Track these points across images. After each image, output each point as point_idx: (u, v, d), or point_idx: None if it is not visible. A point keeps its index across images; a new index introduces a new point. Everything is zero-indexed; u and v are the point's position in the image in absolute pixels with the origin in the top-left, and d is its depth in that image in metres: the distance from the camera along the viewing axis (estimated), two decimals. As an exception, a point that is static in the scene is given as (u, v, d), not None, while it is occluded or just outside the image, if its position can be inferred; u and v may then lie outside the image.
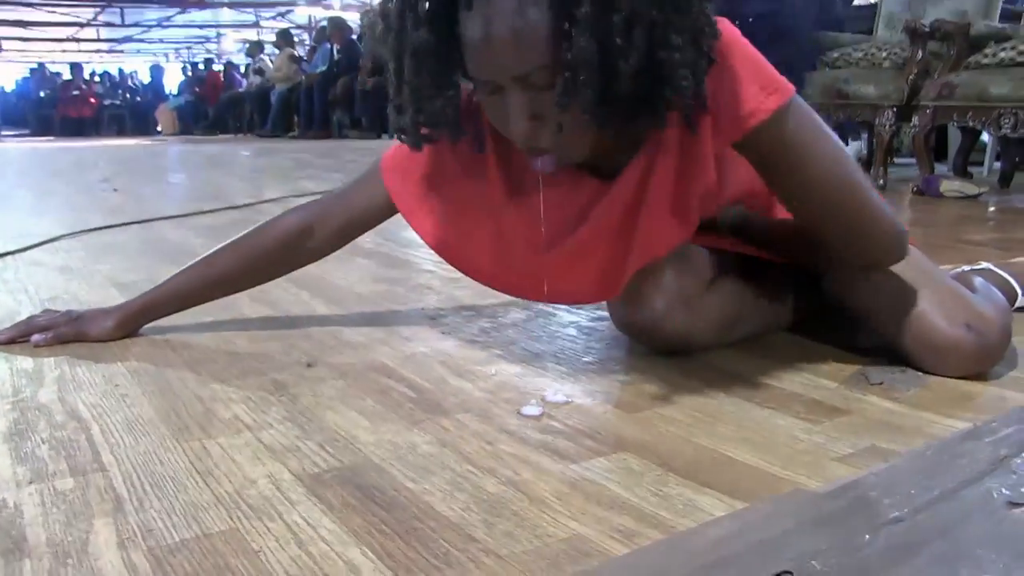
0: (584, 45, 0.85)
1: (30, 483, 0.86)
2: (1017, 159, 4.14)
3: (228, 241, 1.37)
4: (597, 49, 0.86)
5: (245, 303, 1.59)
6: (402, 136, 1.05)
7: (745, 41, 1.03)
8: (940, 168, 3.99)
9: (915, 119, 3.37)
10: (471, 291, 1.70)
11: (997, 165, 4.12)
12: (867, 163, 4.07)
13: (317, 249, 1.35)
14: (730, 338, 1.31)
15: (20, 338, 1.36)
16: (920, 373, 1.17)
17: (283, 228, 1.35)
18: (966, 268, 1.46)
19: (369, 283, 1.86)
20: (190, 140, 10.95)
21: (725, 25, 1.00)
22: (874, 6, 4.34)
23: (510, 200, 1.16)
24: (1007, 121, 3.01)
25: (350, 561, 0.70)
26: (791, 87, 1.02)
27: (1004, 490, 0.82)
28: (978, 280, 1.31)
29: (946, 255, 2.13)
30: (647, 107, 0.93)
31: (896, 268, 1.19)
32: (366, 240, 1.95)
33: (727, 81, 0.99)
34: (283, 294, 1.72)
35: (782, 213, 1.27)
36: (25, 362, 1.27)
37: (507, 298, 1.71)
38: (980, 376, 1.15)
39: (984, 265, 1.49)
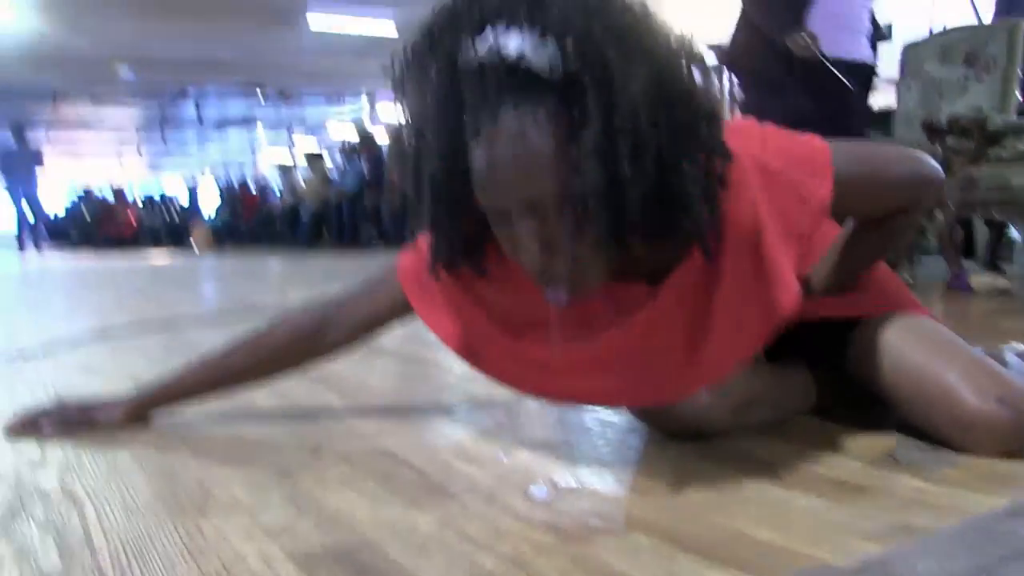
0: (591, 174, 0.84)
1: (15, 560, 0.84)
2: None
3: (240, 338, 1.36)
4: (605, 177, 0.84)
5: (257, 394, 1.58)
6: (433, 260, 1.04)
7: (771, 131, 1.07)
8: (970, 265, 3.94)
9: (939, 215, 3.34)
10: (489, 386, 1.67)
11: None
12: (892, 263, 4.02)
13: (329, 347, 1.33)
14: (746, 421, 1.26)
15: (29, 427, 1.35)
16: (953, 452, 1.12)
17: (295, 325, 1.34)
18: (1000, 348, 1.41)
19: (385, 378, 1.84)
20: (223, 255, 11.17)
21: (748, 127, 1.03)
22: (888, 112, 4.40)
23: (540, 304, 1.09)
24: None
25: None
26: (823, 146, 1.06)
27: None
28: (1010, 355, 1.26)
29: (981, 344, 2.08)
30: (660, 235, 0.93)
31: (919, 343, 1.15)
32: (385, 340, 1.94)
33: (783, 190, 1.02)
34: (295, 386, 1.69)
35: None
36: (31, 450, 1.26)
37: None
38: (1016, 454, 1.09)
39: (1020, 347, 1.44)
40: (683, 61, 0.91)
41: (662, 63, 0.88)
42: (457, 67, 0.86)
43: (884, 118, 4.53)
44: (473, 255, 1.03)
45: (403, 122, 0.94)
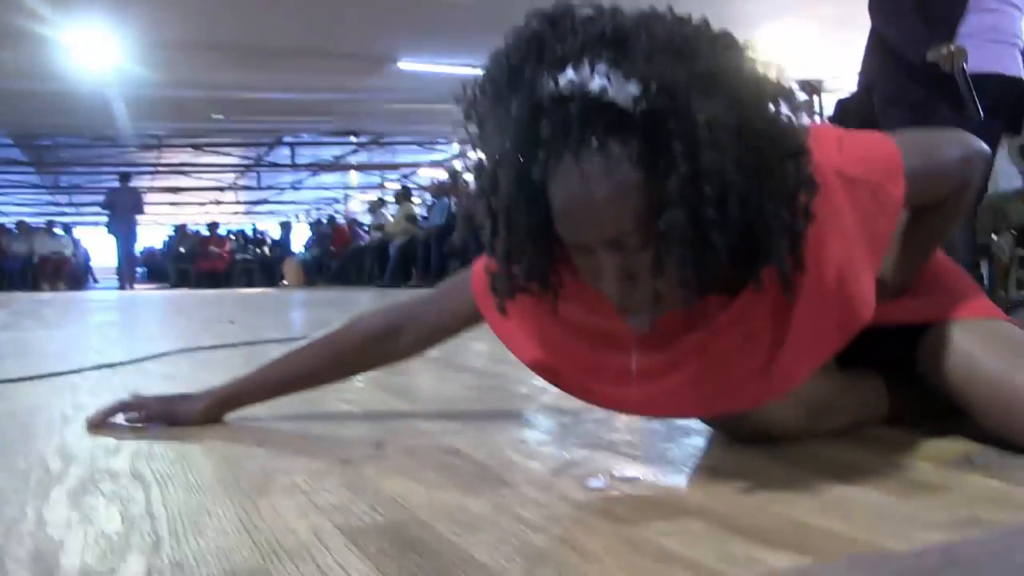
0: (676, 217, 0.82)
1: (80, 524, 0.87)
2: None
3: (315, 339, 1.40)
4: (689, 221, 0.83)
5: (327, 398, 1.60)
6: (494, 288, 1.01)
7: (846, 136, 1.06)
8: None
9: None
10: (559, 396, 1.66)
11: None
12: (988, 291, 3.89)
13: (401, 351, 1.34)
14: (818, 427, 1.22)
15: (110, 420, 1.40)
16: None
17: (369, 327, 1.35)
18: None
19: (458, 388, 1.85)
20: (313, 290, 11.44)
21: (824, 136, 1.01)
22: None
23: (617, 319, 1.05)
24: None
25: (375, 596, 0.67)
26: (893, 147, 1.06)
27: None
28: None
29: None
30: (744, 273, 0.93)
31: (992, 348, 1.10)
32: (466, 357, 1.94)
33: (869, 200, 1.02)
34: (365, 393, 1.72)
35: None
36: (108, 440, 1.30)
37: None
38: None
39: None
40: (770, 99, 0.89)
41: (748, 103, 0.86)
42: (538, 100, 0.84)
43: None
44: (547, 279, 1.00)
45: (480, 154, 0.93)
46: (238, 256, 15.99)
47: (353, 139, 14.67)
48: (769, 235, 0.87)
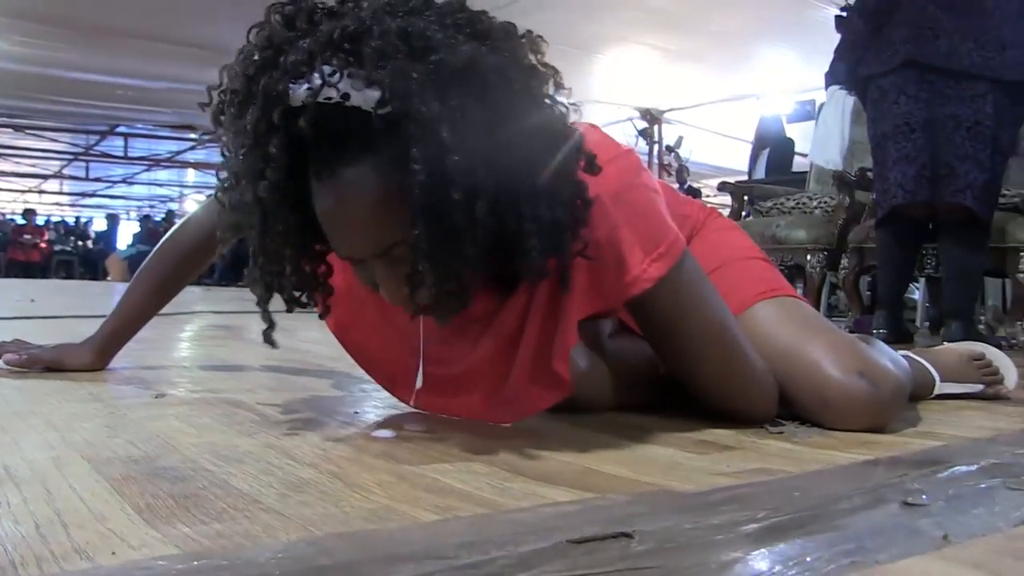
0: (425, 225, 0.78)
1: None
2: (944, 312, 4.20)
3: (155, 252, 1.42)
4: (440, 231, 0.79)
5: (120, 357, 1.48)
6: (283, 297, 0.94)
7: (639, 188, 0.97)
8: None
9: (844, 261, 3.41)
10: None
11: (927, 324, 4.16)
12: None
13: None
14: (626, 401, 1.20)
15: None
16: (823, 428, 1.08)
17: (198, 223, 1.38)
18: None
19: (259, 357, 1.74)
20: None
21: (622, 164, 0.96)
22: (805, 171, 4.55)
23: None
24: (930, 261, 3.05)
25: (100, 513, 0.59)
26: (680, 245, 0.97)
27: (899, 496, 0.72)
28: (877, 341, 1.25)
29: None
30: (509, 272, 0.89)
31: (786, 324, 1.12)
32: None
33: (612, 241, 0.93)
34: (145, 351, 1.61)
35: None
36: None
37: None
38: (880, 429, 1.07)
39: (903, 353, 1.43)
40: (526, 90, 0.84)
41: (498, 98, 0.80)
42: (273, 115, 0.79)
43: (800, 176, 4.67)
44: (312, 292, 0.95)
45: (230, 168, 0.87)
46: (57, 247, 15.02)
47: (191, 135, 14.08)
48: (526, 240, 0.82)
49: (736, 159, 8.92)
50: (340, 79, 0.77)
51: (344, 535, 0.55)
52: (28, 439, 0.85)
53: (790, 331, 1.12)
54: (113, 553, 0.51)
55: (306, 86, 0.77)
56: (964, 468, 0.85)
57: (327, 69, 0.77)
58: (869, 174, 3.41)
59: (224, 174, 0.88)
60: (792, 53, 7.70)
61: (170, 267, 1.42)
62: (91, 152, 16.05)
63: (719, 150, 9.81)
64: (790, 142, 6.59)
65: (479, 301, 0.98)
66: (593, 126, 0.96)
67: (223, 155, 0.87)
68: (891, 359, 1.15)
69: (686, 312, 1.01)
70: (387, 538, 0.55)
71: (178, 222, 1.43)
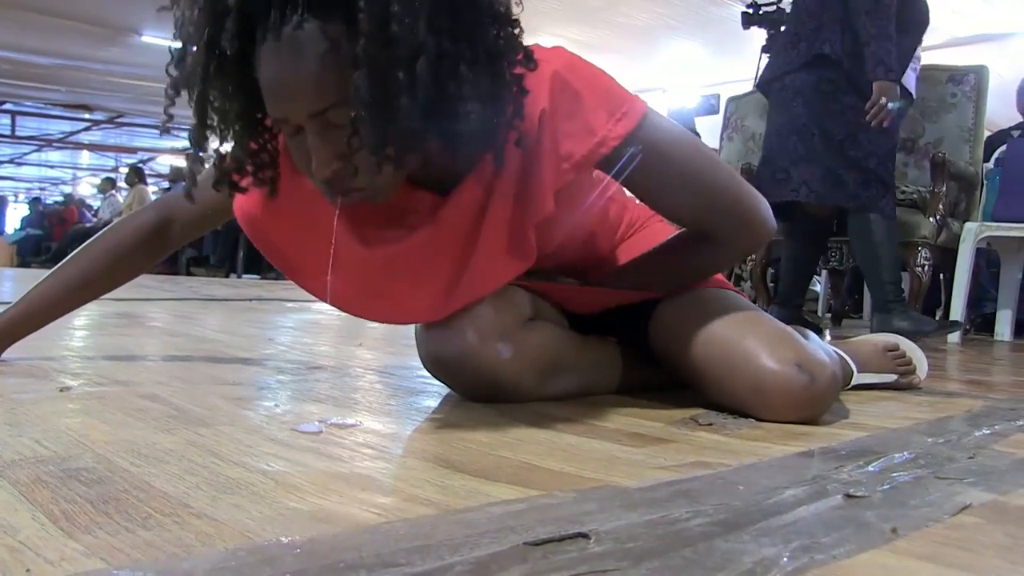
0: (364, 82, 0.79)
1: None
2: (847, 305, 4.34)
3: (86, 245, 1.32)
4: (379, 85, 0.79)
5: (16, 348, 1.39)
6: (217, 183, 0.95)
7: (589, 64, 1.00)
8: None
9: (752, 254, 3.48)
10: (284, 358, 1.55)
11: (830, 314, 4.29)
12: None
13: (174, 240, 1.32)
14: (549, 389, 1.19)
15: None
16: (753, 420, 1.09)
17: (141, 222, 1.31)
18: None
19: (170, 349, 1.67)
20: (27, 271, 10.36)
21: (562, 50, 0.97)
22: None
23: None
24: (834, 255, 3.14)
25: (9, 524, 0.54)
26: (642, 105, 1.00)
27: (840, 488, 0.72)
28: (810, 333, 1.26)
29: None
30: (445, 144, 0.89)
31: (725, 312, 1.13)
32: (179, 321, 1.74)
33: (571, 110, 0.95)
34: (72, 346, 1.52)
35: (626, 250, 1.26)
36: None
37: (319, 359, 1.57)
38: (811, 421, 1.07)
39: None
40: None
41: None
42: None
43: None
44: (265, 173, 0.95)
45: (179, 37, 0.86)
46: (-65, 232, 14.22)
47: (86, 115, 13.50)
48: (466, 102, 0.84)
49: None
50: None
51: (287, 543, 0.52)
52: (-80, 438, 0.77)
53: (728, 321, 1.12)
54: (28, 571, 0.46)
55: None
56: (894, 459, 0.86)
57: None
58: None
59: (176, 45, 0.86)
60: (699, 48, 7.85)
61: (98, 267, 1.31)
62: (-27, 129, 15.24)
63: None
64: (697, 136, 6.68)
65: (416, 196, 1.01)
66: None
67: (176, 27, 0.85)
68: (825, 351, 1.16)
69: (669, 160, 1.04)
70: (332, 544, 0.52)
71: (113, 225, 1.34)
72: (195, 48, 0.83)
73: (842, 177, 2.57)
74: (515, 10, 0.87)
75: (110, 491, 0.62)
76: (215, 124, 0.88)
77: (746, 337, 1.09)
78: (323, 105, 0.83)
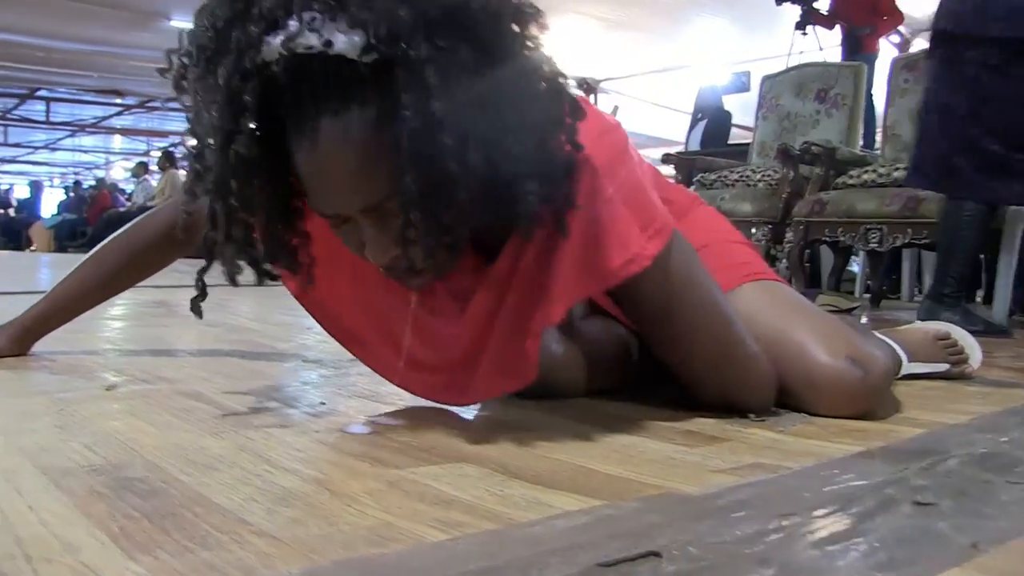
0: (413, 180, 0.74)
1: None
2: (884, 286, 4.28)
3: (108, 241, 1.32)
4: (430, 180, 0.74)
5: (54, 339, 1.39)
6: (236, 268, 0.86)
7: (631, 162, 0.93)
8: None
9: (789, 235, 3.43)
10: (323, 350, 1.54)
11: (867, 294, 4.23)
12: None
13: (195, 240, 1.24)
14: (600, 384, 1.17)
15: None
16: (804, 414, 1.06)
17: (165, 220, 1.28)
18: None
19: (209, 340, 1.67)
20: (65, 255, 10.49)
21: (613, 138, 0.91)
22: (747, 143, 4.55)
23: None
24: (874, 236, 3.08)
25: (69, 542, 0.53)
26: (671, 223, 0.93)
27: (908, 494, 0.70)
28: (861, 324, 1.23)
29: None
30: (504, 225, 0.85)
31: (773, 307, 1.10)
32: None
33: (611, 218, 0.88)
34: (109, 340, 1.52)
35: None
36: None
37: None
38: (865, 416, 1.05)
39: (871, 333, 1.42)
40: (521, 40, 0.79)
41: (492, 44, 0.77)
42: (249, 66, 0.73)
43: (742, 148, 4.68)
44: (295, 258, 0.89)
45: (195, 132, 0.80)
46: (-25, 217, 14.43)
47: (118, 100, 13.59)
48: (520, 186, 0.79)
49: (671, 129, 8.95)
50: (322, 24, 0.71)
51: (350, 563, 0.50)
52: (-28, 444, 0.77)
53: (776, 314, 1.09)
54: (93, 594, 0.45)
55: (283, 35, 0.72)
56: (957, 460, 0.83)
57: (306, 17, 0.72)
58: (814, 148, 3.45)
59: (191, 141, 0.81)
60: (727, 24, 7.74)
61: (122, 262, 1.32)
62: (9, 116, 15.40)
63: (655, 120, 9.85)
64: (727, 114, 6.61)
65: (460, 273, 0.94)
66: (582, 97, 0.91)
67: (188, 120, 0.80)
68: (876, 343, 1.13)
69: (679, 292, 0.97)
70: (397, 565, 0.50)
71: (139, 220, 1.32)
72: (213, 147, 0.77)
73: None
74: (565, 90, 0.82)
75: (166, 505, 0.61)
76: (239, 214, 0.80)
77: (796, 330, 1.06)
78: (375, 200, 0.78)
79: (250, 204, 0.80)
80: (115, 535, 0.54)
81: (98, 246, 1.33)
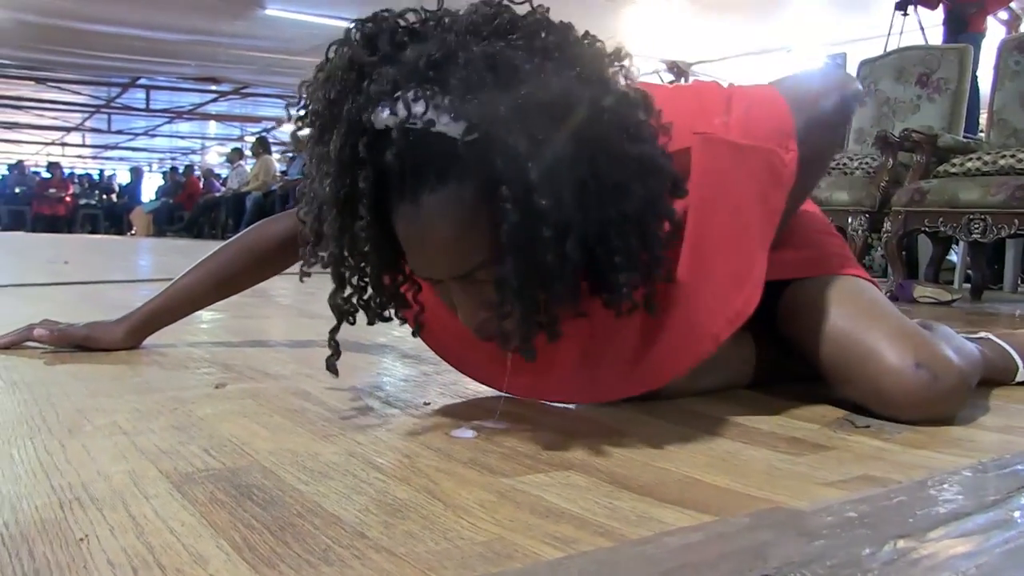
0: (515, 262, 0.77)
1: None
2: (985, 276, 4.11)
3: (229, 243, 1.37)
4: (529, 268, 0.78)
5: (161, 336, 1.44)
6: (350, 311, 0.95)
7: (735, 97, 1.01)
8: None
9: (887, 225, 3.32)
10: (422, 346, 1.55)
11: (967, 284, 4.07)
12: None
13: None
14: (700, 385, 1.16)
15: (20, 342, 1.34)
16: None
17: (287, 226, 1.32)
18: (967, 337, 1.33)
19: (310, 334, 1.70)
20: (163, 239, 10.86)
21: (712, 92, 1.02)
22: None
23: None
24: (976, 226, 2.95)
25: (198, 553, 0.54)
26: (784, 109, 1.00)
27: (1024, 515, 0.67)
28: (942, 327, 1.19)
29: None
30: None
31: (844, 305, 1.08)
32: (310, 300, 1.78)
33: (757, 164, 0.97)
34: (210, 334, 1.56)
35: None
36: None
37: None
38: (943, 422, 1.01)
39: (983, 335, 1.37)
40: (622, 129, 0.81)
41: (593, 137, 0.78)
42: (358, 140, 0.78)
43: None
44: (404, 306, 0.97)
45: (311, 189, 0.86)
46: (82, 201, 15.01)
47: (213, 87, 13.95)
48: (614, 270, 0.82)
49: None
50: (426, 109, 0.75)
51: (471, 586, 0.50)
52: (97, 444, 0.80)
53: (852, 312, 1.07)
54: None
55: (390, 113, 0.76)
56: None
57: (411, 97, 0.75)
58: (915, 135, 3.32)
59: (307, 195, 0.87)
60: (824, 4, 7.51)
61: (240, 265, 1.36)
62: (113, 105, 15.98)
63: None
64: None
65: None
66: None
67: (303, 175, 0.87)
68: (956, 347, 1.09)
69: (818, 124, 1.05)
70: (516, 586, 0.50)
71: (261, 222, 1.37)
72: (329, 206, 0.82)
73: None
74: (659, 158, 0.84)
75: (285, 515, 0.62)
76: (352, 267, 0.89)
77: (868, 331, 1.04)
78: (466, 269, 0.82)
79: (364, 262, 0.87)
80: (239, 546, 0.55)
81: (217, 248, 1.37)
